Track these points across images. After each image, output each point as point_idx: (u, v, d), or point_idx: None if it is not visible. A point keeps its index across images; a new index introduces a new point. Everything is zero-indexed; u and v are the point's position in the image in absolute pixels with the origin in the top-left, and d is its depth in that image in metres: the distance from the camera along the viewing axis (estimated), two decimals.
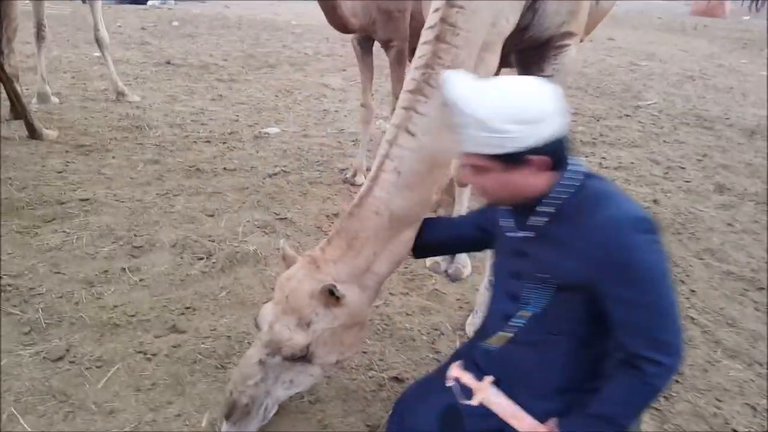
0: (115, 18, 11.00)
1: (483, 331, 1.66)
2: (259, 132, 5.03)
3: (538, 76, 2.19)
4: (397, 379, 2.26)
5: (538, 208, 1.41)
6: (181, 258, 2.97)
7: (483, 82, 1.39)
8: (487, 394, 1.52)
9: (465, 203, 3.13)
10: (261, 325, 1.78)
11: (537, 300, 1.43)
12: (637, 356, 1.28)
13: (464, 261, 3.11)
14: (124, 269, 2.83)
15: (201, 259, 2.97)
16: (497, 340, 1.54)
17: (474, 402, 1.53)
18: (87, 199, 3.51)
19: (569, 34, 2.15)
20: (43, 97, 5.26)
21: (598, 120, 6.10)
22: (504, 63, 2.22)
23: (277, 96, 6.36)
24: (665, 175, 4.67)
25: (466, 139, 1.38)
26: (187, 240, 3.11)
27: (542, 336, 1.45)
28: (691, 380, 2.39)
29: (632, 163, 4.86)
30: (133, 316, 2.51)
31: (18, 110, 4.41)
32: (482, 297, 2.64)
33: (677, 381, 2.37)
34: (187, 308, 2.59)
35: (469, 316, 2.66)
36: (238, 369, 1.80)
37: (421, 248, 1.89)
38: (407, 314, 2.68)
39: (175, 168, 4.09)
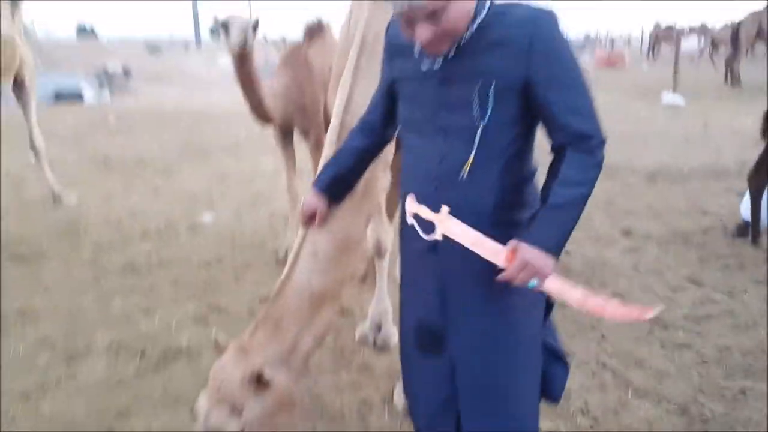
0: (52, 118, 11.09)
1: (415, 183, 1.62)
2: (194, 222, 5.20)
3: None
4: None
5: (467, 31, 1.44)
6: (116, 360, 3.05)
7: None
8: (447, 224, 1.55)
9: (384, 274, 3.35)
10: (197, 416, 1.89)
11: (483, 112, 1.45)
12: (572, 132, 1.40)
13: (391, 331, 3.30)
14: (60, 378, 2.89)
15: (135, 359, 3.06)
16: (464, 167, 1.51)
17: (437, 235, 1.55)
18: (25, 310, 3.57)
19: None
20: None
21: None
22: None
23: (211, 183, 6.57)
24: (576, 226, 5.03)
25: None
26: (123, 341, 3.20)
27: (485, 153, 1.47)
28: (603, 424, 2.57)
29: None
30: (69, 424, 2.57)
31: None
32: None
33: (591, 426, 2.55)
34: (122, 412, 2.66)
35: (396, 385, 2.82)
36: None
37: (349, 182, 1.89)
38: (337, 391, 2.82)
39: (112, 268, 4.19)
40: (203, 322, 3.44)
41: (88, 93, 15.33)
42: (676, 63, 14.32)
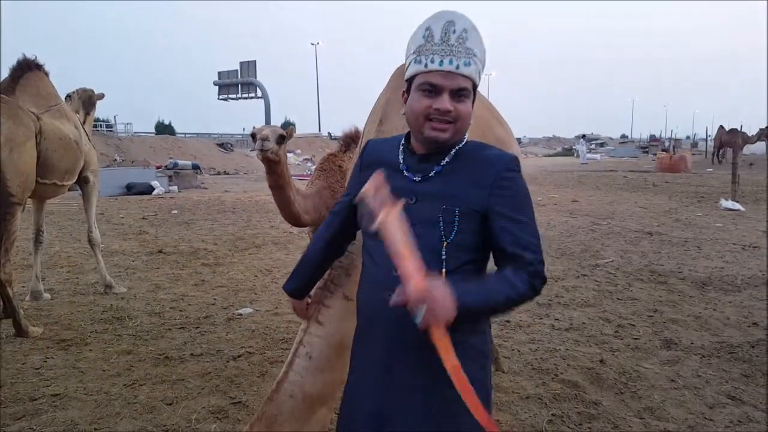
0: (119, 209, 11.93)
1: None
2: (233, 314, 5.36)
3: None
4: None
5: (452, 150, 1.63)
6: None
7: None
8: (393, 217, 1.45)
9: None
10: None
11: (450, 231, 1.56)
12: (522, 263, 1.53)
13: None
14: None
15: None
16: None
17: (374, 225, 1.47)
18: (58, 395, 3.70)
19: None
20: (35, 295, 5.70)
21: (556, 281, 6.43)
22: None
23: (256, 276, 6.79)
24: (615, 333, 4.86)
25: (472, 68, 1.56)
26: (143, 431, 3.28)
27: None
28: None
29: (584, 323, 5.07)
30: None
31: (8, 311, 4.79)
32: None
33: None
34: None
35: None
36: None
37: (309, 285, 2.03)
38: None
39: (146, 357, 4.33)
40: (223, 416, 3.48)
41: (158, 186, 16.42)
42: (734, 173, 14.06)
